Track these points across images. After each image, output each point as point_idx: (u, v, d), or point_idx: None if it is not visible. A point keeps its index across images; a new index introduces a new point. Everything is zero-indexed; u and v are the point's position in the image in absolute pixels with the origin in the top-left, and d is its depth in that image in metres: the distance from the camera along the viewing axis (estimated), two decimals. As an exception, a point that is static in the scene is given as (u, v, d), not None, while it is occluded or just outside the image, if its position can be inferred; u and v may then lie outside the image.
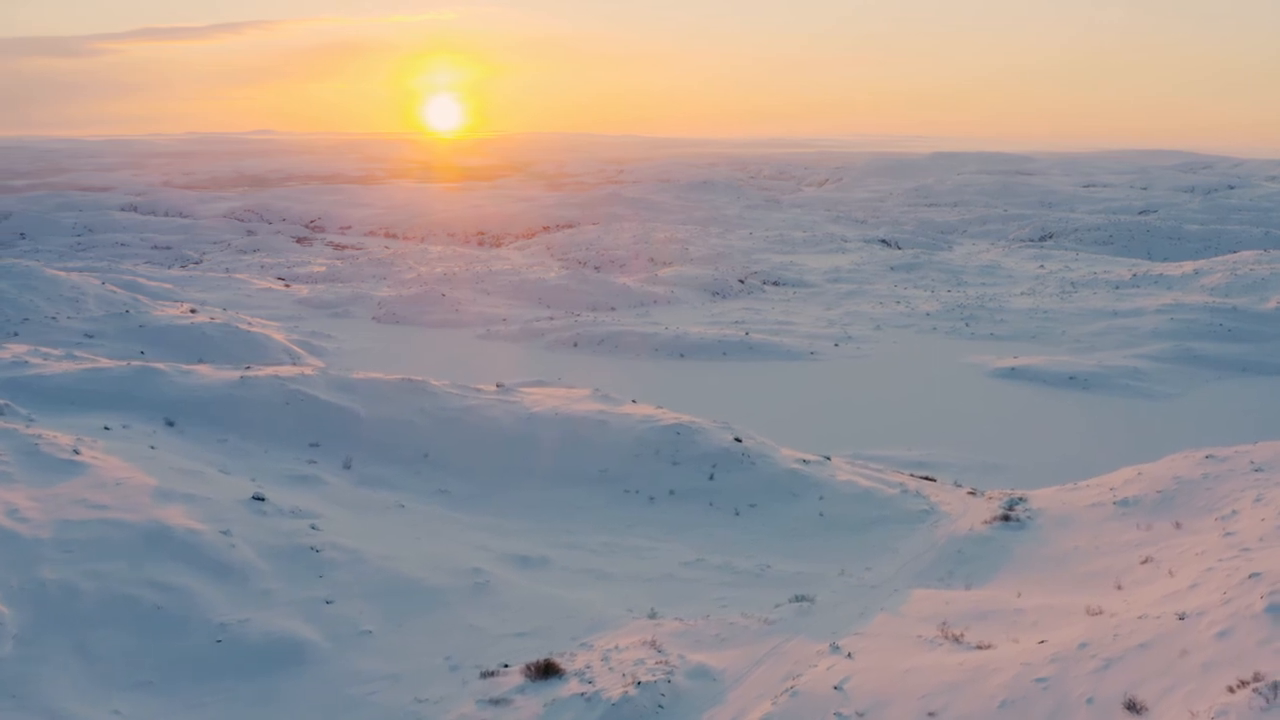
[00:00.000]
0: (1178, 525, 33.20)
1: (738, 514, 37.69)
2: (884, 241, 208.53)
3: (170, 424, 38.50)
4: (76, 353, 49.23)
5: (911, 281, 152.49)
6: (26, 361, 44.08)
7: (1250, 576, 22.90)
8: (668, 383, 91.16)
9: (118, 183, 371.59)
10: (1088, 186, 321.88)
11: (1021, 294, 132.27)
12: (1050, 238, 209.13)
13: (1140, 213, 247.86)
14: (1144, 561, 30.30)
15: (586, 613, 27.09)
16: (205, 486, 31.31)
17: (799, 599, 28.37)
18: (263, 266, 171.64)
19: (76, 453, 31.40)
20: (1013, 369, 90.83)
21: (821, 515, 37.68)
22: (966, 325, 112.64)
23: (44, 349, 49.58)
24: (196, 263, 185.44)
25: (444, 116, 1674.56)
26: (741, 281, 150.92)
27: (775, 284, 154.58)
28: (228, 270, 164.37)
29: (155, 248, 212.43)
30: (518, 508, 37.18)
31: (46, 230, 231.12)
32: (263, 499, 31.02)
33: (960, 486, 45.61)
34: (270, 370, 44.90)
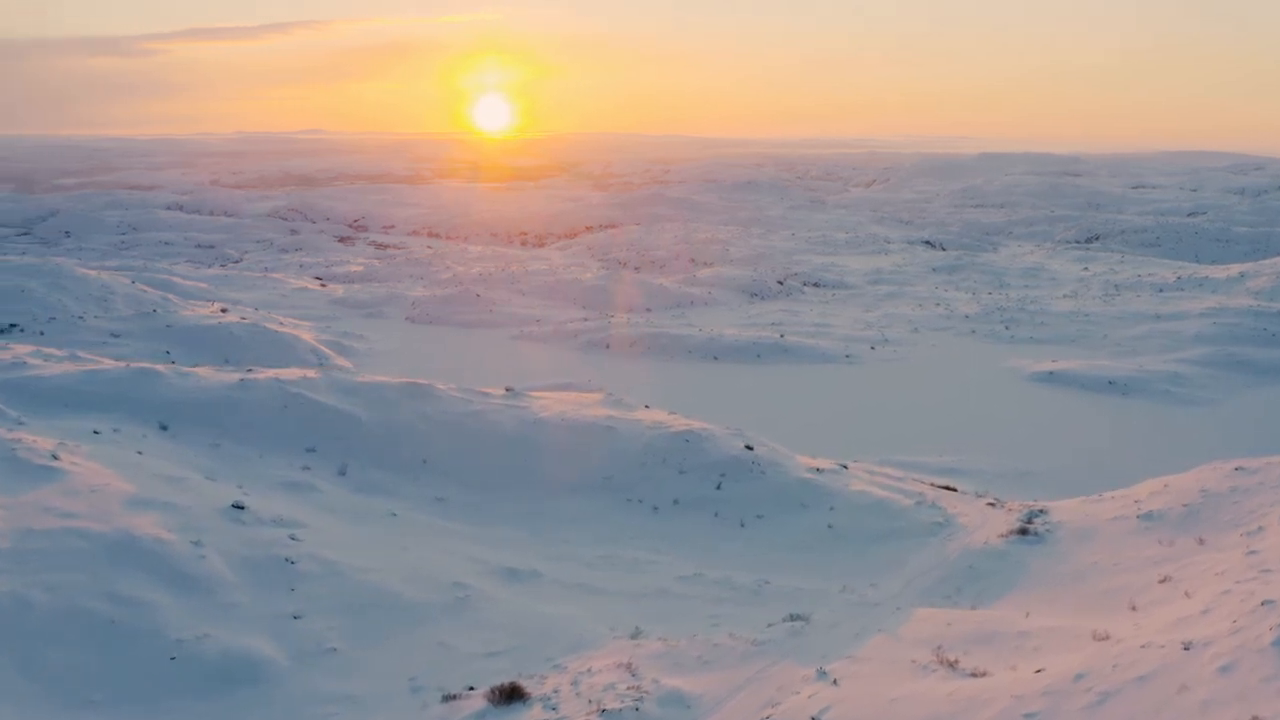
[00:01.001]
0: (1201, 541, 31.66)
1: (743, 525, 36.41)
2: (928, 243, 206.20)
3: (164, 427, 37.68)
4: (80, 353, 48.54)
5: (953, 283, 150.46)
6: (25, 362, 43.43)
7: (1263, 604, 21.44)
8: (699, 385, 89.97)
9: (166, 182, 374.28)
10: (1136, 188, 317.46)
11: (1064, 296, 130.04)
12: (1096, 239, 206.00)
13: (1189, 214, 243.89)
14: (1162, 580, 28.80)
15: (567, 631, 25.92)
16: (185, 494, 30.39)
17: (793, 618, 27.10)
18: (301, 266, 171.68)
19: (55, 458, 30.55)
20: (1051, 373, 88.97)
21: (830, 527, 36.33)
22: (1006, 328, 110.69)
23: (47, 349, 48.99)
24: (236, 262, 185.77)
25: (493, 116, 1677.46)
26: (780, 283, 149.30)
27: (815, 285, 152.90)
28: (266, 270, 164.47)
29: (199, 246, 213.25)
30: (516, 517, 36.09)
31: (91, 228, 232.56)
32: (242, 507, 30.06)
33: (981, 496, 44.06)
34: (271, 373, 44.00)
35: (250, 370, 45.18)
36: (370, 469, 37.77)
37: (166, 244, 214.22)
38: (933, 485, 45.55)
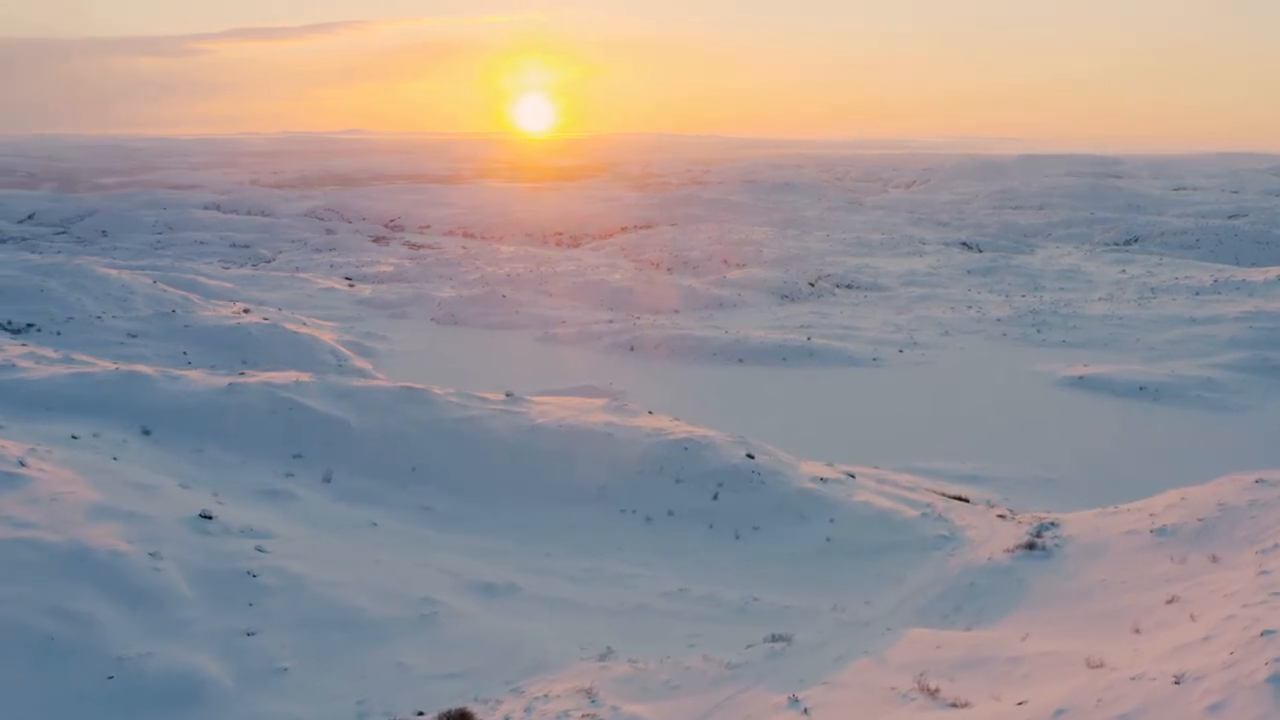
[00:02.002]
0: (1214, 559, 30.14)
1: (738, 538, 35.10)
2: (964, 244, 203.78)
3: (146, 432, 36.80)
4: (75, 355, 47.88)
5: (987, 285, 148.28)
6: (14, 364, 42.70)
7: (1263, 634, 20.04)
8: (721, 389, 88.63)
9: (207, 181, 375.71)
10: (1177, 189, 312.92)
11: (1099, 299, 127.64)
12: (1135, 241, 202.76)
13: (1230, 216, 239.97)
14: (1169, 601, 27.31)
15: (533, 651, 24.76)
16: (152, 503, 29.41)
17: (775, 639, 25.83)
18: (332, 266, 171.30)
19: (22, 464, 29.63)
20: (1081, 378, 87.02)
21: (829, 540, 34.96)
22: (1038, 331, 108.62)
23: (40, 350, 48.23)
24: (268, 261, 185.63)
25: (534, 116, 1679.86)
26: (811, 284, 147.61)
27: (848, 287, 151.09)
28: (296, 269, 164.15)
29: (234, 246, 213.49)
30: (504, 527, 34.95)
31: (128, 228, 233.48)
32: (210, 517, 29.07)
33: (993, 507, 42.60)
34: (264, 377, 43.07)
35: (243, 374, 44.33)
36: (356, 476, 36.72)
37: (201, 243, 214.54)
38: (943, 495, 44.10)
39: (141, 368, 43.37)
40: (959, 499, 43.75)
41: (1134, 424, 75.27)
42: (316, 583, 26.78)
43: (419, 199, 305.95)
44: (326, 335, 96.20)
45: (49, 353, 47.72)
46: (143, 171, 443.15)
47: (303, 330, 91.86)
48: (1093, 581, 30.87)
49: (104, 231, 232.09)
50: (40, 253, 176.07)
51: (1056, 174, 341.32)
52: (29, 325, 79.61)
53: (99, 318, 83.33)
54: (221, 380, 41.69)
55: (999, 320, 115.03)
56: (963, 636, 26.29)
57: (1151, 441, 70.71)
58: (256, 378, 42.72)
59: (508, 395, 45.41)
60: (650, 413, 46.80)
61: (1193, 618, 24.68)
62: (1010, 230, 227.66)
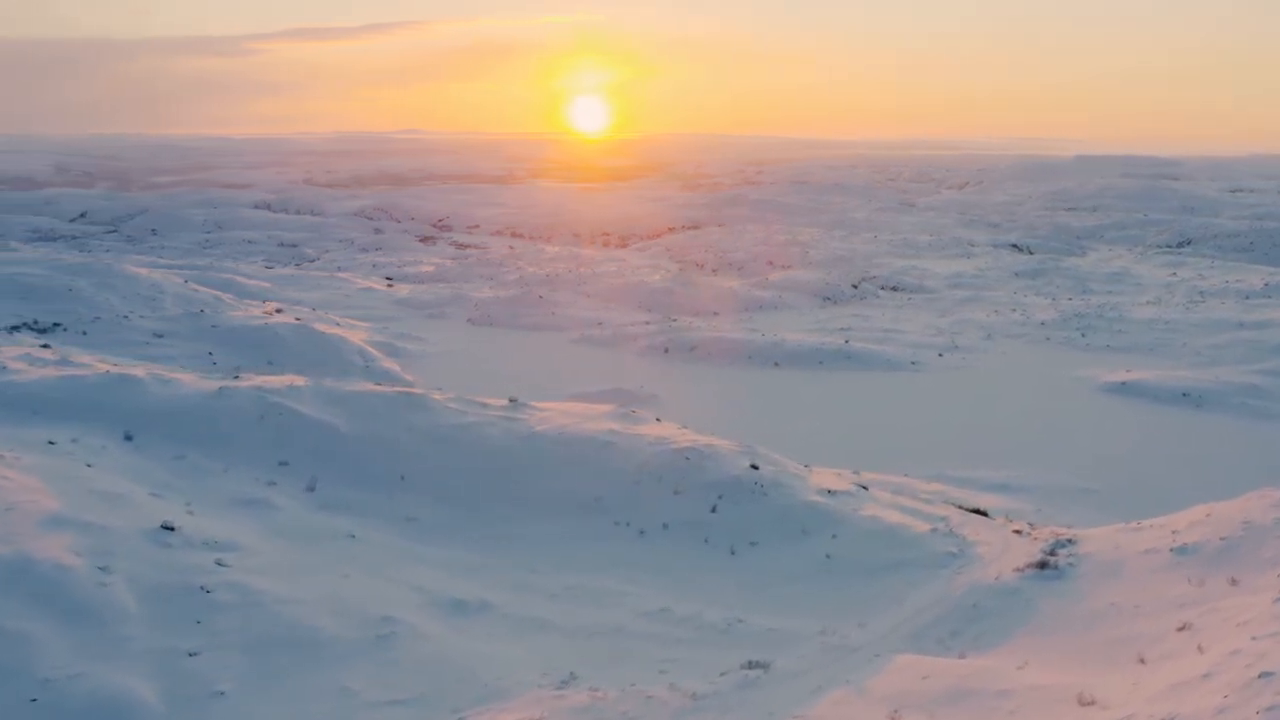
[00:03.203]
0: (1234, 582, 28.39)
1: (733, 553, 33.55)
2: (1014, 246, 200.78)
3: (129, 438, 35.79)
4: (73, 358, 47.20)
5: (1035, 288, 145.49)
6: (5, 367, 41.90)
7: (1260, 676, 18.53)
8: (753, 392, 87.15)
9: (260, 180, 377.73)
10: (1234, 191, 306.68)
11: (1147, 303, 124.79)
12: (1188, 244, 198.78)
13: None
14: (1181, 629, 25.64)
15: (491, 676, 23.44)
16: (115, 513, 28.34)
17: (752, 665, 24.37)
18: (374, 265, 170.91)
19: (-15, 471, 28.55)
20: (1123, 383, 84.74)
21: (829, 557, 33.35)
22: (1082, 335, 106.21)
23: (35, 352, 47.36)
24: (312, 261, 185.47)
25: (589, 117, 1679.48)
26: (855, 286, 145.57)
27: (894, 289, 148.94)
28: (338, 269, 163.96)
29: (281, 245, 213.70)
30: (490, 539, 33.63)
31: (177, 226, 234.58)
32: (172, 528, 27.97)
33: (1011, 521, 40.77)
34: (258, 380, 42.00)
35: (238, 377, 43.19)
36: (341, 485, 35.52)
37: (249, 242, 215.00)
38: (960, 509, 42.34)
39: (135, 370, 42.43)
40: (977, 512, 41.95)
41: (1175, 432, 73.07)
42: (274, 599, 25.59)
43: (468, 199, 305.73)
44: (358, 336, 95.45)
45: (46, 354, 46.87)
46: (197, 170, 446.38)
47: (332, 331, 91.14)
48: (1104, 604, 29.21)
49: (154, 230, 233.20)
50: (89, 250, 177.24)
51: (1112, 175, 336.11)
52: (55, 324, 79.37)
53: (126, 317, 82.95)
54: (212, 384, 40.63)
55: (1043, 324, 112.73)
56: (954, 665, 24.71)
57: (1192, 450, 68.53)
58: (249, 381, 41.64)
59: (511, 401, 44.08)
60: (659, 420, 45.28)
61: (1200, 649, 23.13)
62: (1062, 232, 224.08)
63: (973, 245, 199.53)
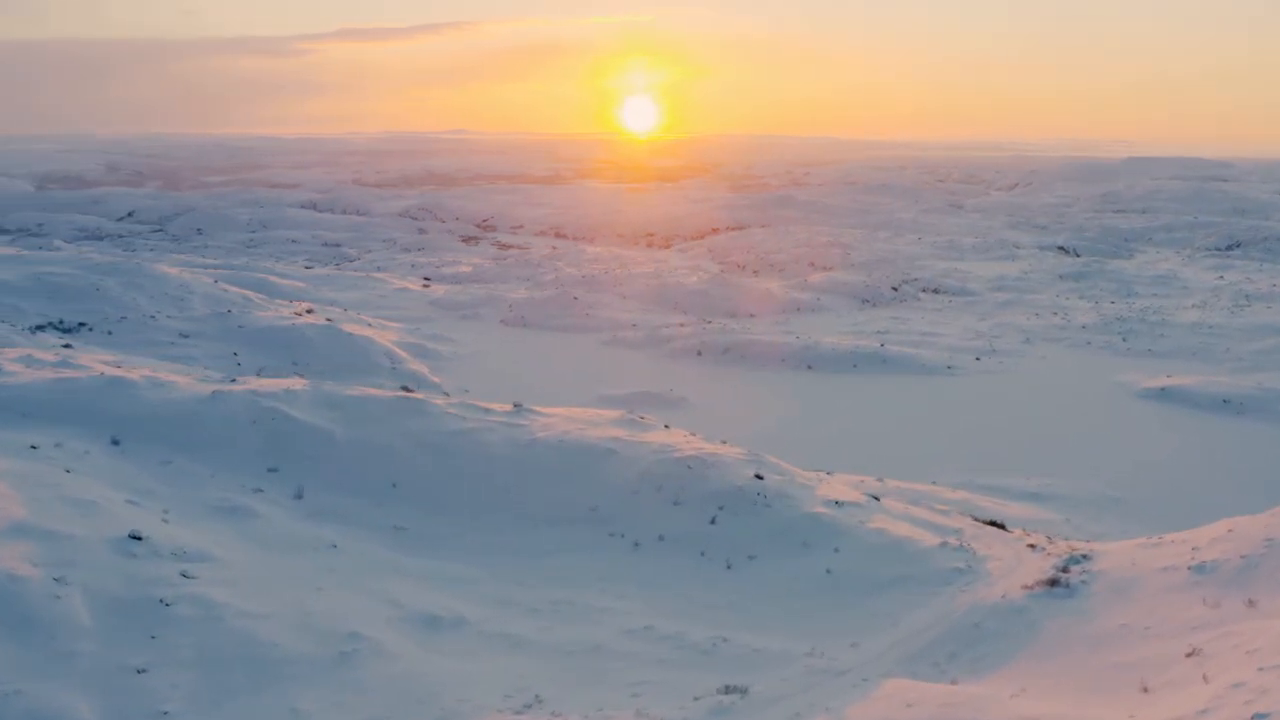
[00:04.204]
0: (1250, 604, 26.99)
1: (729, 567, 32.34)
2: (1061, 248, 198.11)
3: (115, 443, 35.03)
4: (73, 360, 46.45)
5: (1078, 291, 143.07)
6: (1, 369, 41.15)
7: (1254, 718, 17.28)
8: (783, 395, 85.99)
9: (309, 180, 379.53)
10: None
11: (1192, 306, 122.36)
12: (1237, 246, 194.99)
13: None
14: (1189, 655, 24.29)
15: (450, 699, 22.42)
16: (83, 521, 27.53)
17: (728, 690, 23.19)
18: (413, 265, 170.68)
19: (-46, 478, 27.80)
20: (1163, 389, 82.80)
21: (829, 573, 32.07)
22: (1124, 340, 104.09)
23: (37, 353, 46.79)
24: (352, 260, 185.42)
25: (639, 117, 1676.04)
26: (895, 289, 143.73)
27: (934, 291, 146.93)
28: (378, 269, 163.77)
29: (325, 245, 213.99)
30: (478, 550, 32.61)
31: (222, 226, 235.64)
32: (140, 538, 27.14)
33: (1029, 534, 39.35)
34: (254, 383, 41.23)
35: (235, 379, 42.43)
36: (331, 492, 34.62)
37: (293, 242, 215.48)
38: (976, 521, 40.89)
39: (130, 373, 41.71)
40: (994, 524, 40.49)
41: (1214, 440, 71.20)
42: (236, 614, 24.67)
43: (513, 199, 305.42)
44: (388, 337, 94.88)
45: (47, 356, 46.24)
46: (247, 170, 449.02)
47: (361, 332, 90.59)
48: (1113, 626, 27.88)
49: (199, 229, 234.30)
50: (133, 249, 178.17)
51: (1163, 177, 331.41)
52: (81, 324, 79.25)
53: (152, 317, 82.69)
54: (206, 388, 39.87)
55: (1084, 327, 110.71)
56: (944, 692, 23.42)
57: (1231, 459, 66.71)
58: (246, 385, 40.85)
59: (516, 406, 43.00)
60: (668, 427, 44.05)
61: (1205, 678, 21.89)
62: (1110, 234, 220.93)
63: (1018, 247, 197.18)
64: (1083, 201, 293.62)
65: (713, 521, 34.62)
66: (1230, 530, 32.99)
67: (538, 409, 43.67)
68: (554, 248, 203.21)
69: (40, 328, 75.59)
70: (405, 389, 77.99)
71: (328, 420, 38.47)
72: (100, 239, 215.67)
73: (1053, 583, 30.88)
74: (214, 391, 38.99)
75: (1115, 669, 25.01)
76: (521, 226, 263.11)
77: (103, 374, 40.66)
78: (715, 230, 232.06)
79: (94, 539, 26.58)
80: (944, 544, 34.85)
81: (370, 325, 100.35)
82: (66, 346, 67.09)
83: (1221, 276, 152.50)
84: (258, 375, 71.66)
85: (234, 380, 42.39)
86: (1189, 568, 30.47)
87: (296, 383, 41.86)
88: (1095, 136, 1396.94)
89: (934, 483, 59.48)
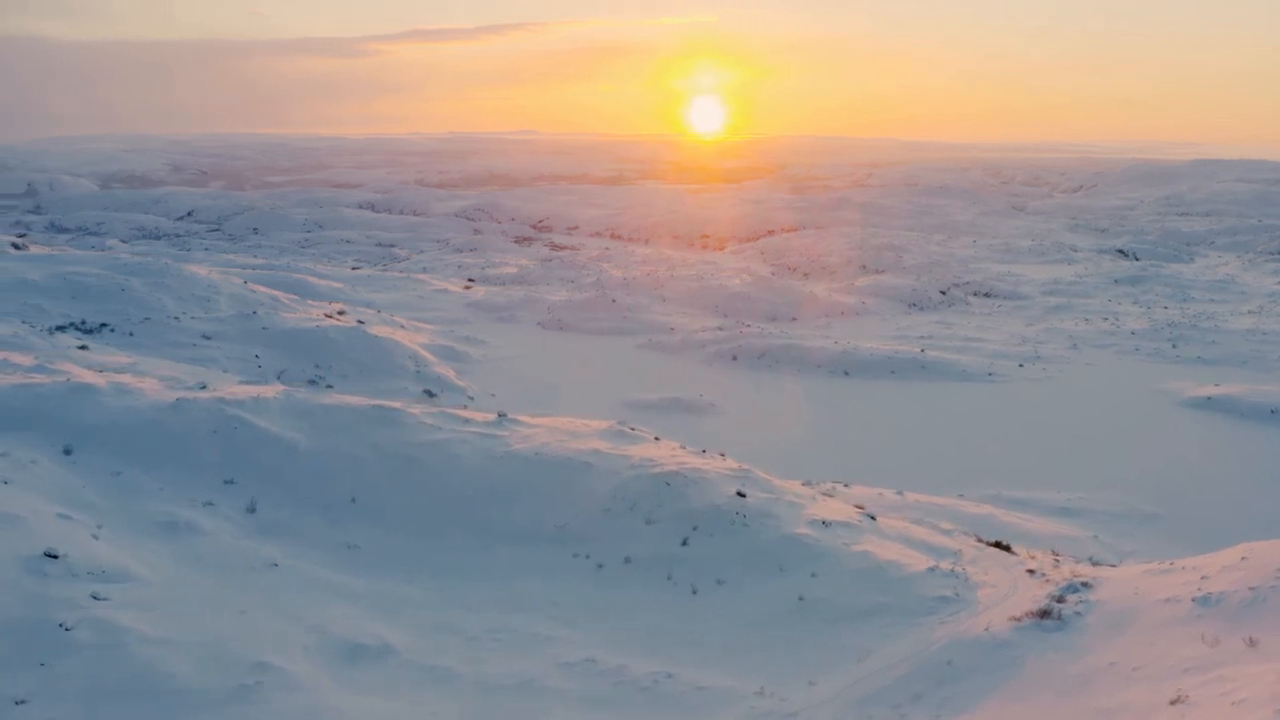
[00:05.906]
0: (1251, 643, 24.73)
1: (695, 593, 30.35)
2: (1120, 252, 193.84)
3: (67, 452, 33.68)
4: (50, 365, 45.25)
5: (1132, 296, 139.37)
6: (-43, 374, 39.96)
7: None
8: (815, 402, 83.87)
9: (370, 180, 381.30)
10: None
11: (1247, 312, 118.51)
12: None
13: None
14: (1174, 702, 22.07)
15: (345, 742, 20.59)
16: (1, 536, 25.91)
17: (654, 735, 21.28)
18: (460, 267, 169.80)
19: None
20: (1209, 398, 79.70)
21: (801, 600, 29.99)
22: (1173, 346, 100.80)
23: (14, 357, 45.60)
24: (400, 261, 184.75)
25: (705, 118, 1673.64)
26: (943, 293, 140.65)
27: (986, 295, 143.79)
28: (423, 269, 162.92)
29: (379, 245, 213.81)
30: (431, 571, 30.86)
31: (278, 225, 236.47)
32: (55, 556, 25.66)
33: (1034, 556, 37.05)
34: (223, 391, 39.80)
35: (205, 386, 40.98)
36: (284, 507, 33.05)
37: (347, 242, 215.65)
38: (980, 541, 38.61)
39: (97, 379, 40.35)
40: (998, 545, 38.19)
41: (1259, 453, 68.22)
42: (139, 640, 23.12)
43: (570, 199, 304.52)
44: (418, 339, 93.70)
45: (23, 359, 45.03)
46: (311, 170, 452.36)
47: (390, 334, 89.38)
48: (1101, 664, 25.73)
49: (255, 229, 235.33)
50: (188, 249, 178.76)
51: (1229, 179, 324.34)
52: (103, 325, 78.51)
53: (176, 318, 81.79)
54: (171, 395, 38.48)
55: (1133, 334, 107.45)
56: (890, 742, 21.38)
57: (1272, 472, 63.77)
58: (215, 392, 39.39)
59: (499, 416, 41.24)
60: (657, 439, 42.07)
61: (1189, 730, 19.69)
62: (1171, 238, 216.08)
63: (1075, 251, 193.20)
64: (1146, 204, 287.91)
65: (685, 543, 32.67)
66: (1244, 558, 30.66)
67: (522, 418, 41.86)
68: (605, 249, 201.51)
69: (61, 328, 74.88)
70: (427, 392, 77.53)
71: (294, 430, 36.92)
72: (157, 238, 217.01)
73: (1044, 614, 28.74)
74: (178, 400, 37.57)
75: (1093, 715, 22.89)
76: (577, 227, 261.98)
77: (69, 380, 39.36)
78: (771, 232, 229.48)
79: (5, 557, 25.15)
80: (933, 569, 32.66)
81: (403, 327, 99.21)
82: (82, 348, 66.23)
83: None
84: (278, 378, 70.79)
85: (203, 387, 41.01)
86: (1193, 599, 28.26)
87: (266, 390, 40.35)
88: (1162, 139, 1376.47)
89: (960, 496, 57.19)
